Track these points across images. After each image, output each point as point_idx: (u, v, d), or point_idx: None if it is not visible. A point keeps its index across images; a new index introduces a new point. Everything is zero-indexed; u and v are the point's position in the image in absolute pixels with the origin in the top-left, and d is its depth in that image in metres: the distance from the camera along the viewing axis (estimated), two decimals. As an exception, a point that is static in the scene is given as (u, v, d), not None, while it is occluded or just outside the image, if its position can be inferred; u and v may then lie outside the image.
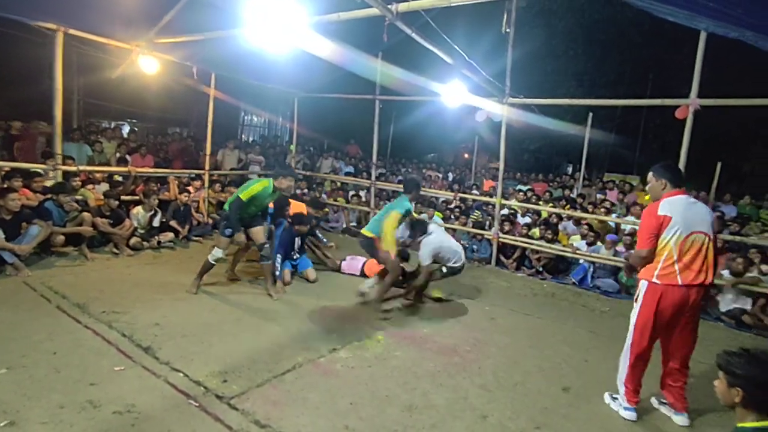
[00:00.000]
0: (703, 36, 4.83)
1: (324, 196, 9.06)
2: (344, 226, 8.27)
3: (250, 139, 13.00)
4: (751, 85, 4.85)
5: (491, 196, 7.61)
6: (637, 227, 6.39)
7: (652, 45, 12.79)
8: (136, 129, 11.09)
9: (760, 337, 4.71)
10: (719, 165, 8.31)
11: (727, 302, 5.11)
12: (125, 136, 9.52)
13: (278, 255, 4.99)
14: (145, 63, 6.15)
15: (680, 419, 2.93)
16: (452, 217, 7.65)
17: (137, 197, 6.30)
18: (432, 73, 6.17)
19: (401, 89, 7.55)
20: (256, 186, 4.35)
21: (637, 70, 13.73)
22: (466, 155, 17.56)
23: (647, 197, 3.20)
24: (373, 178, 8.03)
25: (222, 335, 3.63)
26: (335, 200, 8.53)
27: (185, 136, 11.07)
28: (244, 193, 4.32)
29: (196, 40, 5.51)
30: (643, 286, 2.89)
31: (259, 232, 4.61)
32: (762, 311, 4.91)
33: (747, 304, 5.00)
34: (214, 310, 4.14)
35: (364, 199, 8.54)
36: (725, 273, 5.13)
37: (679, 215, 2.77)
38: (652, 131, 14.61)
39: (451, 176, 12.69)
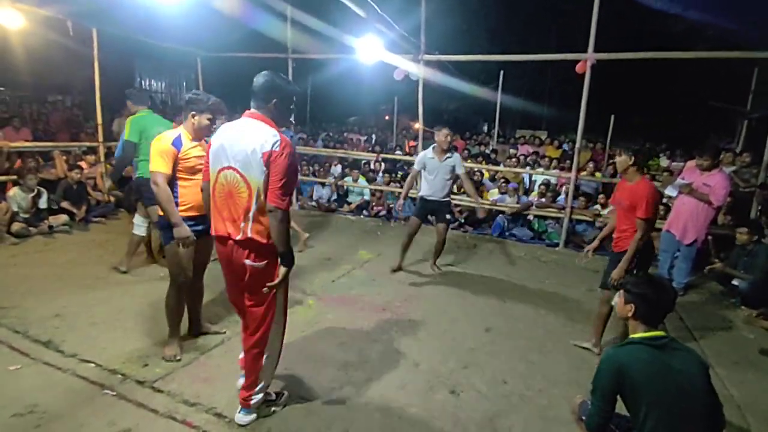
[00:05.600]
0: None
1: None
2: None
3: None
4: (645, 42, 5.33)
5: (412, 156, 7.72)
6: (547, 177, 6.90)
7: (556, 3, 13.50)
8: (6, 98, 9.46)
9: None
10: (612, 117, 9.18)
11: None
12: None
13: None
14: (6, 17, 5.17)
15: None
16: (376, 179, 7.69)
17: (14, 177, 5.42)
18: (346, 29, 5.94)
19: (316, 48, 7.19)
20: None
21: (543, 29, 14.48)
22: (387, 117, 17.54)
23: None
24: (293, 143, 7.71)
25: (139, 319, 3.35)
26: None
27: (69, 105, 9.67)
28: None
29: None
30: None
31: None
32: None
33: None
34: (128, 294, 3.77)
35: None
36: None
37: None
38: (558, 87, 15.68)
39: (374, 138, 12.64)
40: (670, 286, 1.82)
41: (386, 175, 7.51)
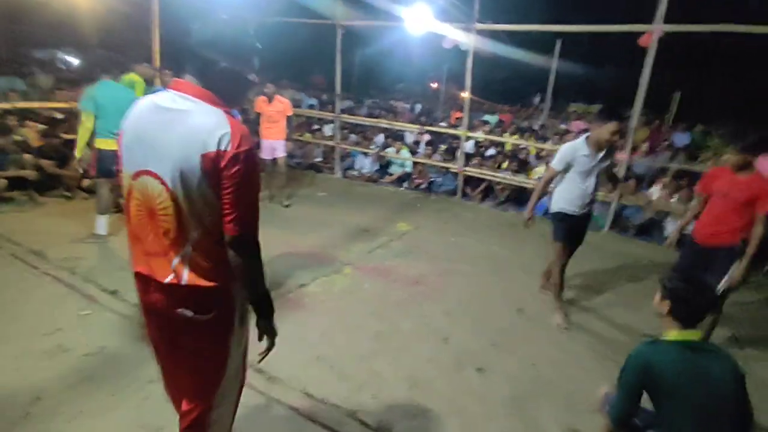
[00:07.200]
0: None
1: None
2: (309, 162, 8.10)
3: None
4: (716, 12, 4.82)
5: (458, 128, 7.56)
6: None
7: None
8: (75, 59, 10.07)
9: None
10: (675, 95, 8.50)
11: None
12: (64, 66, 8.65)
13: None
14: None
15: None
16: (418, 151, 7.64)
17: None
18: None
19: (364, 16, 7.08)
20: None
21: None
22: (435, 85, 17.09)
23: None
24: (337, 110, 7.76)
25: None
26: (300, 135, 8.26)
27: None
28: None
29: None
30: None
31: None
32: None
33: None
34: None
35: (330, 133, 8.32)
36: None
37: None
38: (622, 56, 14.57)
39: (419, 107, 12.42)
40: (709, 287, 1.75)
41: (429, 147, 7.43)
